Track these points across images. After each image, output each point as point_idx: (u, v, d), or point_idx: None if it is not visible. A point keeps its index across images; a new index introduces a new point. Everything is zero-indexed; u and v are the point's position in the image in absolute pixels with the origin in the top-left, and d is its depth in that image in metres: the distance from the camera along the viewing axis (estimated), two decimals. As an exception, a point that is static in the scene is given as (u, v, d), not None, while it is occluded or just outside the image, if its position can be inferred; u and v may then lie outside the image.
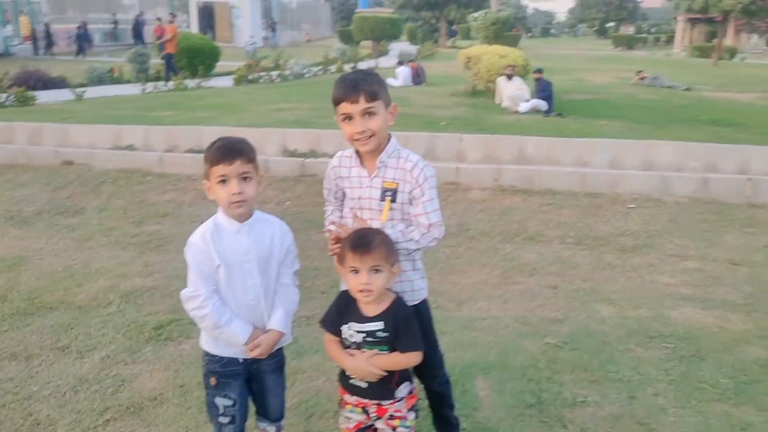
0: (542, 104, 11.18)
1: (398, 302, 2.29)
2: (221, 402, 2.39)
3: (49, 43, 28.80)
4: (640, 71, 17.81)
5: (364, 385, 2.30)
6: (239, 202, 2.22)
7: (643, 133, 8.56)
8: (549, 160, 7.64)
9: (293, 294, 2.43)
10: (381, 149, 2.39)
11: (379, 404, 2.32)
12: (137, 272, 4.82)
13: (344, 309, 2.31)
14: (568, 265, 5.13)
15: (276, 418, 2.53)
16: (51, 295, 4.45)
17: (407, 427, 2.34)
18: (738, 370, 3.54)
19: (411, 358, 2.28)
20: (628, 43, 44.08)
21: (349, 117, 2.30)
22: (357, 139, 2.32)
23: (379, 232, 2.28)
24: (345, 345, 2.31)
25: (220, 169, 2.20)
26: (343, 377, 2.38)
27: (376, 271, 2.19)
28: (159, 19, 21.00)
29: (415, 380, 2.49)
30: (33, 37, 28.90)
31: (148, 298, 4.39)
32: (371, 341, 2.25)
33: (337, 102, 2.34)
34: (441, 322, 4.03)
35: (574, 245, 5.56)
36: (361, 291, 2.21)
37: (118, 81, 17.26)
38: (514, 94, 11.68)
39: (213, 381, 2.39)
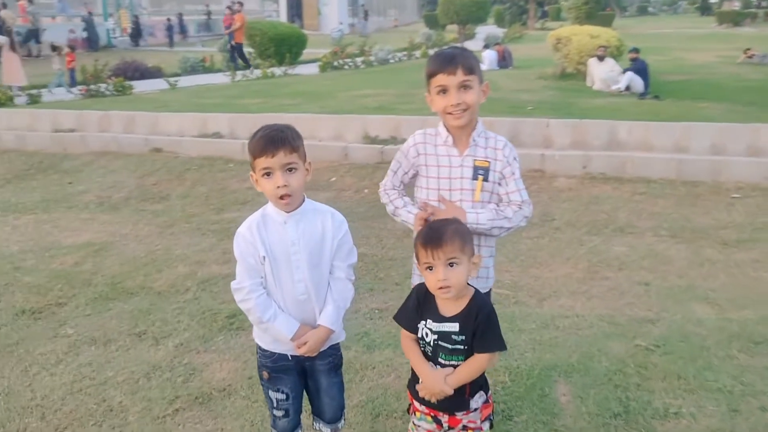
0: (638, 82, 10.54)
1: (477, 299, 2.08)
2: (274, 396, 2.34)
3: (137, 34, 30.14)
4: (747, 49, 16.47)
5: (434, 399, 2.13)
6: (285, 194, 2.10)
7: (749, 116, 7.83)
8: (643, 145, 7.13)
9: (347, 289, 2.27)
10: (471, 128, 2.36)
11: (452, 414, 2.15)
12: (215, 259, 4.87)
13: (422, 303, 2.13)
14: (661, 259, 4.74)
15: (331, 420, 2.42)
16: (132, 280, 4.56)
17: None
18: None
19: (487, 361, 2.07)
20: (734, 19, 41.00)
21: (444, 90, 2.28)
22: (450, 113, 2.29)
23: (452, 222, 2.08)
24: (420, 345, 2.15)
25: (263, 162, 2.07)
26: (413, 384, 2.19)
27: (453, 264, 2.00)
28: (229, 8, 20.65)
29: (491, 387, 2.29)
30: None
31: (224, 286, 4.40)
32: (445, 347, 2.06)
33: (432, 74, 2.30)
34: (520, 319, 3.85)
35: (668, 238, 5.13)
36: (440, 288, 2.03)
37: (210, 70, 17.80)
38: (607, 76, 11.12)
39: (266, 375, 2.33)
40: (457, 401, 2.11)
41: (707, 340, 3.57)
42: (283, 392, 2.32)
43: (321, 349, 2.26)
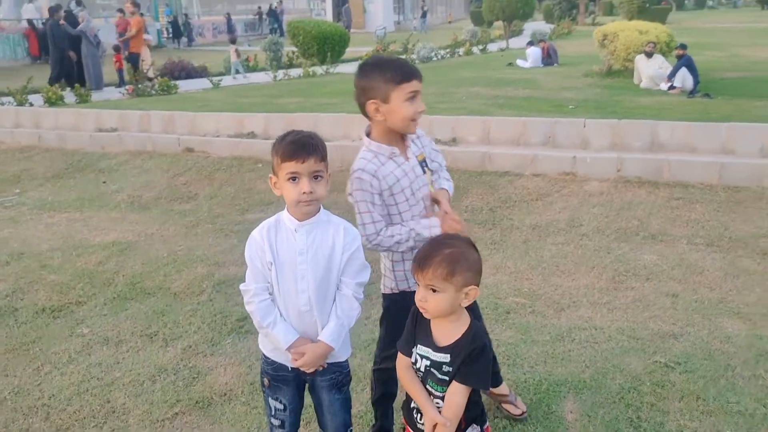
0: (688, 78, 10.13)
1: (473, 331, 1.98)
2: (273, 404, 2.31)
3: (179, 34, 30.78)
4: (810, 44, 15.67)
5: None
6: (308, 201, 2.07)
7: (808, 117, 7.41)
8: (686, 147, 6.81)
9: (352, 307, 2.19)
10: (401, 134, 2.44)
11: None
12: (233, 261, 4.88)
13: (417, 327, 2.06)
14: (694, 269, 4.50)
15: None
16: (151, 280, 4.61)
17: None
18: None
19: (465, 391, 1.95)
20: (801, 12, 39.12)
21: (413, 96, 2.32)
22: (415, 119, 2.36)
23: (451, 245, 1.97)
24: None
25: (292, 166, 2.04)
26: (407, 409, 2.13)
27: (434, 290, 1.93)
28: (121, 11, 15.89)
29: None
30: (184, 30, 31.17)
31: (238, 288, 4.39)
32: (435, 375, 1.98)
33: (406, 81, 2.31)
34: (534, 330, 3.72)
35: (703, 247, 4.88)
36: (420, 307, 1.97)
37: (254, 69, 18.01)
38: (655, 73, 10.75)
39: (266, 382, 2.31)
40: None
41: (733, 359, 3.36)
42: (281, 402, 2.29)
43: (320, 365, 2.21)
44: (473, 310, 2.40)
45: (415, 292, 2.01)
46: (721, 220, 5.33)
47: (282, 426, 2.31)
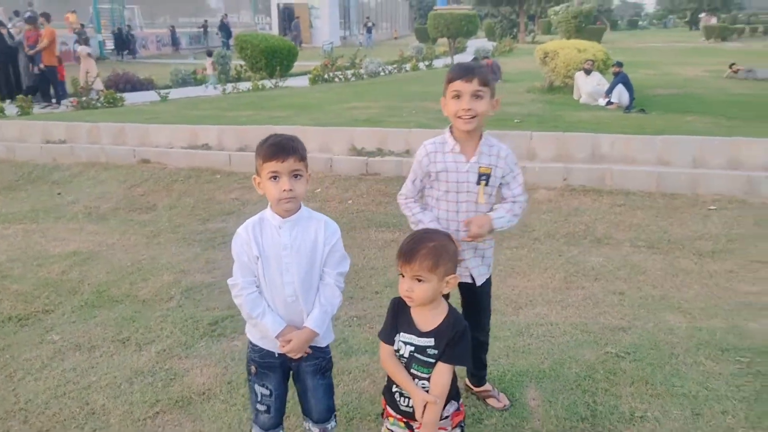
0: (624, 95, 10.73)
1: (452, 316, 2.18)
2: (259, 390, 2.43)
3: (121, 47, 30.40)
4: (733, 64, 16.75)
5: (411, 409, 2.21)
6: (289, 198, 2.23)
7: (733, 130, 7.99)
8: (626, 158, 7.26)
9: (335, 295, 2.37)
10: (477, 136, 2.67)
11: None
12: (199, 269, 4.95)
13: (398, 316, 2.23)
14: (637, 270, 4.86)
15: (318, 420, 2.50)
16: (118, 288, 4.63)
17: None
18: (821, 389, 3.22)
19: (450, 371, 2.15)
20: (722, 34, 41.56)
21: (458, 95, 2.58)
22: (460, 116, 2.58)
23: (433, 239, 2.17)
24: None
25: (273, 166, 2.20)
26: (389, 394, 2.29)
27: (420, 280, 2.11)
28: (28, 21, 14.10)
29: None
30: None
31: (207, 294, 4.49)
32: (419, 359, 2.15)
33: (451, 80, 2.61)
34: (496, 327, 3.93)
35: (645, 249, 5.26)
36: (405, 296, 2.16)
37: (202, 82, 17.90)
38: (593, 89, 11.32)
39: (253, 369, 2.43)
40: None
41: (676, 348, 3.68)
42: (267, 388, 2.42)
43: (305, 350, 2.35)
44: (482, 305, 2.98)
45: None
46: (660, 225, 5.73)
47: (268, 411, 2.44)
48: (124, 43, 30.46)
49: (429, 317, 2.17)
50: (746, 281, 4.64)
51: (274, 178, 2.21)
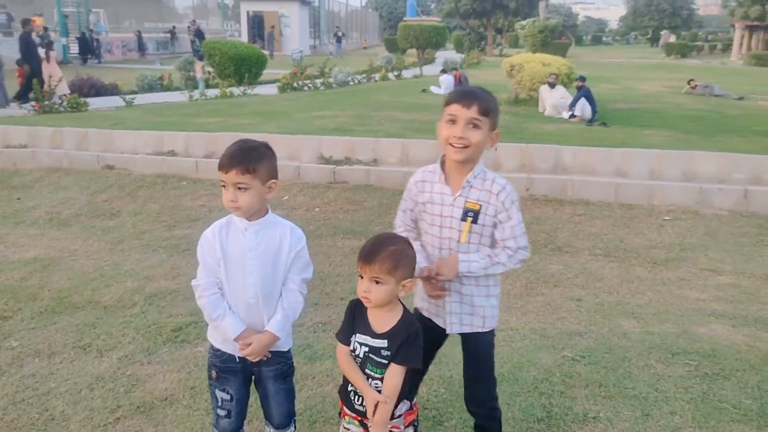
0: (587, 108, 11.00)
1: (406, 318, 2.25)
2: (220, 395, 2.45)
3: (85, 51, 29.92)
4: (691, 80, 17.31)
5: (365, 408, 2.27)
6: (232, 208, 2.27)
7: (689, 144, 8.30)
8: (586, 169, 7.48)
9: (297, 301, 2.40)
10: (468, 168, 2.37)
11: None
12: (163, 275, 4.93)
13: (356, 318, 2.29)
14: (594, 277, 5.01)
15: (279, 425, 2.53)
16: (79, 295, 4.59)
17: None
18: (764, 391, 3.38)
19: (402, 372, 2.21)
20: (681, 51, 42.84)
21: (453, 120, 2.31)
22: (451, 143, 2.31)
23: (394, 242, 2.22)
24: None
25: (221, 175, 2.25)
26: (345, 393, 2.34)
27: (378, 282, 2.17)
28: None
29: (418, 394, 2.45)
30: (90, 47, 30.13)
31: (171, 300, 4.48)
32: (373, 359, 2.22)
33: (448, 103, 2.35)
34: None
35: (602, 257, 5.42)
36: (363, 297, 2.22)
37: (168, 88, 17.75)
38: (557, 102, 11.58)
39: (214, 374, 2.44)
40: None
41: (629, 352, 3.81)
42: (228, 393, 2.43)
43: (265, 354, 2.38)
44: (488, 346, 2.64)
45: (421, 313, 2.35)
46: (618, 234, 5.92)
47: (228, 416, 2.46)
48: (89, 47, 29.97)
49: (384, 319, 2.24)
50: (696, 288, 4.82)
51: (224, 186, 2.26)
